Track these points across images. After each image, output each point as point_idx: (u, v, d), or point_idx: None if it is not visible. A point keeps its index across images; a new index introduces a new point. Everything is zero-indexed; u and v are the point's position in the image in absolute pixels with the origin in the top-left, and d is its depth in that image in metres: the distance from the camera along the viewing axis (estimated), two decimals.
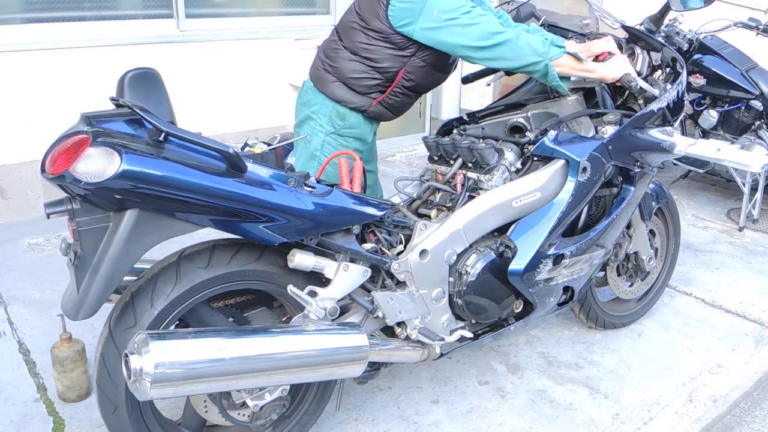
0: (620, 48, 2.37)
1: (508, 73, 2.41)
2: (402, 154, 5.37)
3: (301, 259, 1.75)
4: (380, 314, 1.90)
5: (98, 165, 1.39)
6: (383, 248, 1.92)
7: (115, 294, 1.73)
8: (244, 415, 1.83)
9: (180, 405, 1.90)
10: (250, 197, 1.57)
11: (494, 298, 2.09)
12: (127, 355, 1.43)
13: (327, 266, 1.80)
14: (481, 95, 5.35)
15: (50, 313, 2.75)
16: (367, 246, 1.88)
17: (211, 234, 1.82)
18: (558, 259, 2.10)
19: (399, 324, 1.97)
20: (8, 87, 3.72)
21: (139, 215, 1.51)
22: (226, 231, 1.64)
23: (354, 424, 2.20)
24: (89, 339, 2.43)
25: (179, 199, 1.49)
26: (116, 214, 1.53)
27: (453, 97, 5.62)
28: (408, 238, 1.97)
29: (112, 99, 1.59)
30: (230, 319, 1.88)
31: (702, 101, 4.25)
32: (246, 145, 1.74)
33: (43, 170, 1.48)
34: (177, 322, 1.82)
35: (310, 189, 1.71)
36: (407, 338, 1.99)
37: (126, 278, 1.78)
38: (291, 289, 1.74)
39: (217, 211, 1.56)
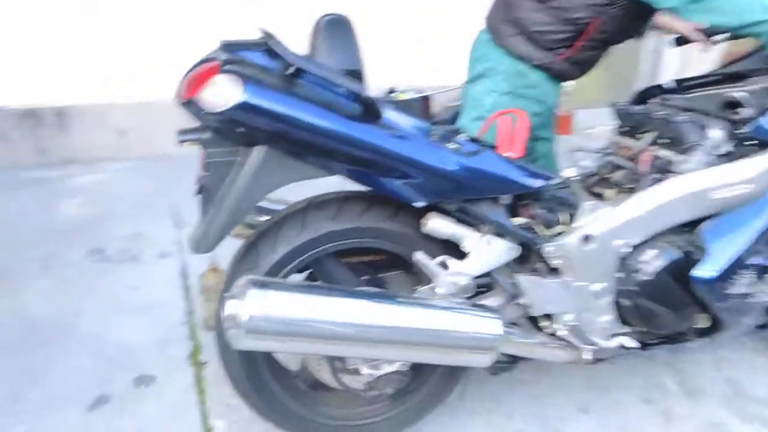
0: None
1: (735, 36, 1.94)
2: (603, 127, 4.83)
3: (436, 225, 1.55)
4: (524, 301, 1.64)
5: (221, 94, 1.31)
6: (538, 226, 1.64)
7: (250, 229, 1.68)
8: (357, 381, 1.70)
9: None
10: (381, 147, 1.39)
11: (672, 307, 1.72)
12: (226, 298, 1.35)
13: (466, 237, 1.58)
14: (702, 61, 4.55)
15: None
16: (518, 221, 1.62)
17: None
18: (764, 271, 1.67)
19: (547, 316, 1.70)
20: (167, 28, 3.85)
21: (267, 153, 1.41)
22: (357, 182, 1.49)
23: (486, 414, 1.98)
24: None
25: (303, 139, 1.36)
26: (245, 150, 1.44)
27: (671, 65, 4.87)
28: (571, 218, 1.67)
29: (260, 29, 1.49)
30: (363, 278, 1.75)
31: None
32: (392, 90, 1.56)
33: (178, 95, 1.43)
34: (307, 272, 1.74)
35: (455, 146, 1.49)
36: (553, 334, 1.71)
37: (260, 218, 1.74)
38: (418, 256, 1.54)
39: (345, 158, 1.41)
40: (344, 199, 1.59)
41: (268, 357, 1.69)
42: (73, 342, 2.22)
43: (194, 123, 1.47)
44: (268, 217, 1.68)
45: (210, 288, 2.20)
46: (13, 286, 2.56)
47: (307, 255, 1.57)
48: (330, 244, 1.57)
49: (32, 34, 3.89)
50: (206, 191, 1.50)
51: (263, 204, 1.86)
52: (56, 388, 2.01)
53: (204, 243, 1.50)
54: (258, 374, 1.65)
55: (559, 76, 2.04)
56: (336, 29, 1.63)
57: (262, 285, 1.34)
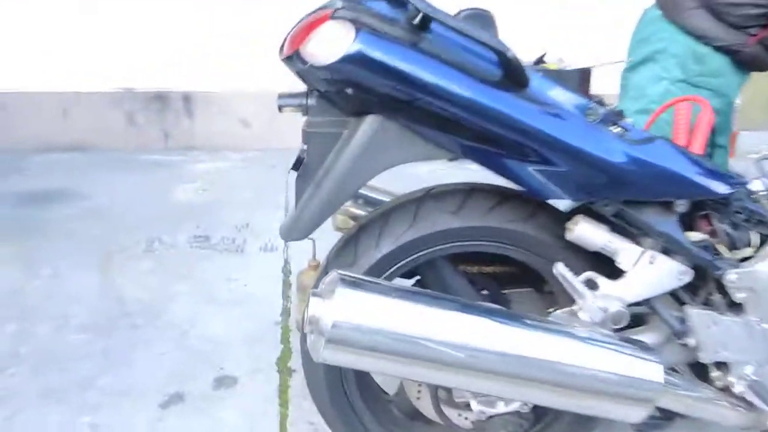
0: None
1: None
2: None
3: (585, 231, 1.21)
4: (691, 342, 1.27)
5: (329, 43, 1.06)
6: (720, 245, 1.26)
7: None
8: (464, 417, 1.38)
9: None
10: (522, 122, 1.09)
11: None
12: (311, 296, 1.08)
13: (624, 250, 1.23)
14: None
15: (323, 237, 2.65)
16: (695, 236, 1.25)
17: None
18: None
19: (718, 365, 1.31)
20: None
21: (381, 124, 1.15)
22: (485, 166, 1.19)
23: None
24: None
25: (426, 107, 1.08)
26: (355, 120, 1.18)
27: None
28: (764, 241, 1.28)
29: None
30: (483, 292, 1.44)
31: None
32: (541, 60, 1.25)
33: (281, 51, 1.20)
34: (415, 279, 1.45)
35: (620, 130, 1.15)
36: (726, 389, 1.31)
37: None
38: (559, 268, 1.21)
39: (474, 135, 1.12)
40: (470, 191, 1.29)
41: (359, 372, 1.41)
42: (160, 329, 2.08)
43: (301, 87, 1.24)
44: (372, 209, 1.42)
45: (307, 287, 1.96)
46: (114, 265, 2.48)
47: (416, 254, 1.28)
48: (446, 244, 1.28)
49: (162, 17, 3.90)
50: (304, 167, 1.26)
51: (368, 193, 1.61)
52: (132, 377, 1.85)
53: (296, 229, 1.25)
54: (344, 392, 1.38)
55: (747, 64, 1.64)
56: (476, 23, 1.36)
57: (355, 284, 1.06)
